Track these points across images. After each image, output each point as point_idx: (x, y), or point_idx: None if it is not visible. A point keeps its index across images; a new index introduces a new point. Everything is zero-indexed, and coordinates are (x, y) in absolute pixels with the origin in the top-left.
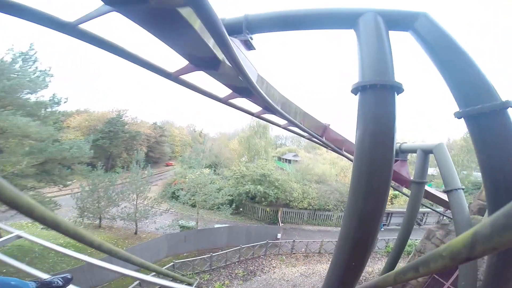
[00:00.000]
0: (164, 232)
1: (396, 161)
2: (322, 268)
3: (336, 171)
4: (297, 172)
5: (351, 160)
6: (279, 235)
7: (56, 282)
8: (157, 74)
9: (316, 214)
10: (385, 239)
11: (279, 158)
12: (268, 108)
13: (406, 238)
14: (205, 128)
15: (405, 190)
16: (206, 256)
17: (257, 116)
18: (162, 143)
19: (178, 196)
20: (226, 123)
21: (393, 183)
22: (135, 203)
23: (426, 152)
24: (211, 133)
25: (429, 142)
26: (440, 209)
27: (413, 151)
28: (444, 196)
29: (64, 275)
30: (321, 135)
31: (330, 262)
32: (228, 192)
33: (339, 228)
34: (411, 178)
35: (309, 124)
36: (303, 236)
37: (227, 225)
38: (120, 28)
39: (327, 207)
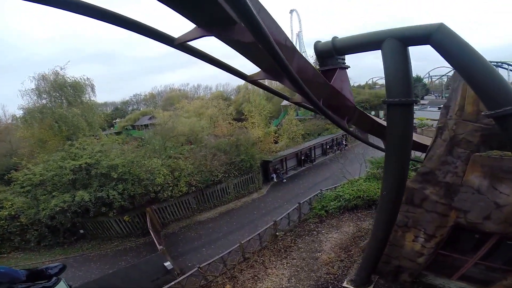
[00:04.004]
0: None
1: (327, 71)
2: None
3: (207, 122)
4: (154, 137)
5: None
6: (167, 263)
7: (48, 271)
8: (157, 40)
9: (206, 194)
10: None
11: (133, 127)
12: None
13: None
14: None
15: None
16: None
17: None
18: None
19: None
20: None
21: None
22: None
23: (410, 41)
24: None
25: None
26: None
27: (373, 43)
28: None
29: (57, 264)
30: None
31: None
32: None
33: (244, 201)
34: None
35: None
36: (206, 236)
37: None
38: None
39: (216, 178)
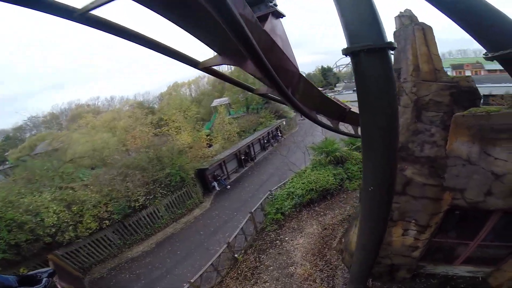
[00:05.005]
0: None
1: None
2: None
3: (120, 137)
4: (43, 165)
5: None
6: None
7: (38, 276)
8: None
9: (130, 225)
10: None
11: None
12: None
13: None
14: None
15: None
16: None
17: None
18: None
19: None
20: None
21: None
22: None
23: None
24: None
25: None
26: None
27: None
28: None
29: (47, 269)
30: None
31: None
32: None
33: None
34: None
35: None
36: (146, 275)
37: None
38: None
39: (137, 203)
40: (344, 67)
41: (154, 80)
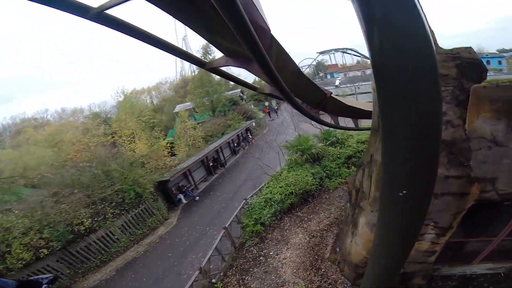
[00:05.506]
0: None
1: None
2: None
3: (66, 151)
4: None
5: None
6: None
7: (39, 282)
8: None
9: (78, 252)
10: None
11: None
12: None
13: None
14: None
15: None
16: None
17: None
18: None
19: None
20: None
21: None
22: None
23: None
24: None
25: None
26: None
27: None
28: None
29: (47, 276)
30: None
31: None
32: None
33: (148, 243)
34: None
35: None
36: None
37: None
38: None
39: (81, 227)
40: (306, 68)
41: (113, 90)
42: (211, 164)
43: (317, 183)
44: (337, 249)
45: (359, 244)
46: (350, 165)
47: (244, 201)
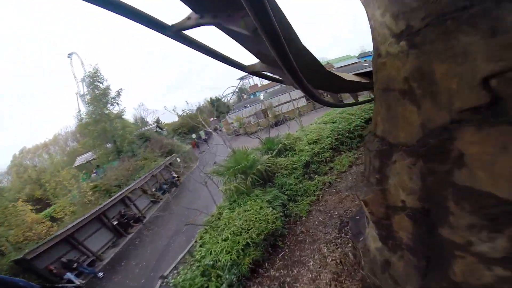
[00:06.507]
0: None
1: None
2: None
3: None
4: None
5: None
6: None
7: None
8: (149, 27)
9: None
10: None
11: None
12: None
13: None
14: None
15: None
16: None
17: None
18: None
19: None
20: None
21: None
22: None
23: None
24: None
25: None
26: None
27: None
28: None
29: (73, 285)
30: None
31: None
32: None
33: None
34: None
35: None
36: None
37: None
38: None
39: None
40: (231, 96)
41: None
42: (115, 222)
43: (281, 214)
44: None
45: None
46: (311, 174)
47: (160, 281)
